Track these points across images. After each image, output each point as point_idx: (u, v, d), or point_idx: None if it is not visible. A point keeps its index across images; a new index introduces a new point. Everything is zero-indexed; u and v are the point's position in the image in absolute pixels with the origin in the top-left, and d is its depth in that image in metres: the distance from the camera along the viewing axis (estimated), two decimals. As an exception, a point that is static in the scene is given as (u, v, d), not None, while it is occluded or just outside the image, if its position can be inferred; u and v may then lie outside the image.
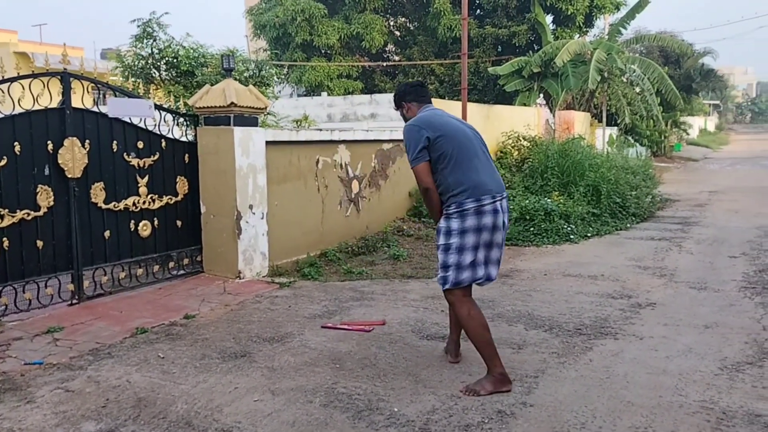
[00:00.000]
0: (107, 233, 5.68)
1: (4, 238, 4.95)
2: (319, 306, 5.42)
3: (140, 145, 5.95)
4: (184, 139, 6.42)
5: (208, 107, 6.15)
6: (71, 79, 5.40)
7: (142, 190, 5.96)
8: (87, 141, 5.49)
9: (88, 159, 5.49)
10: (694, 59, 28.94)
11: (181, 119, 6.39)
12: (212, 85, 6.39)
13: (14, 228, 5.01)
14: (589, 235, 8.82)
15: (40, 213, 5.18)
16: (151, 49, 8.11)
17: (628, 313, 5.13)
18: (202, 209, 6.43)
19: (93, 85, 5.66)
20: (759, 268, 6.70)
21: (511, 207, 8.54)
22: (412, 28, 21.87)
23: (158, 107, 6.20)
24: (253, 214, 6.37)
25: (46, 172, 5.22)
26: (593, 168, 10.60)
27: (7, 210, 4.96)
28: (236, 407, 3.43)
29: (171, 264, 6.26)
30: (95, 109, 5.68)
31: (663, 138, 27.76)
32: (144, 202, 5.97)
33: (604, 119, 20.06)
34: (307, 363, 4.07)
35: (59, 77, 5.34)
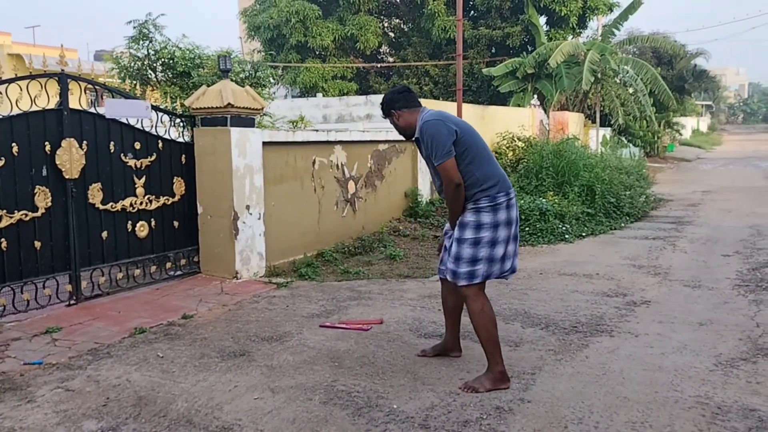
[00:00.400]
0: (105, 234, 5.69)
1: (2, 239, 4.95)
2: (317, 306, 5.44)
3: (137, 145, 5.96)
4: (180, 140, 6.42)
5: (205, 108, 6.17)
6: (68, 80, 5.41)
7: (140, 190, 5.97)
8: (84, 142, 5.50)
9: (86, 160, 5.50)
10: (686, 60, 29.16)
11: (178, 120, 6.40)
12: (209, 86, 6.40)
13: (12, 229, 5.02)
14: (583, 234, 8.88)
15: (38, 214, 5.18)
16: (148, 51, 8.12)
17: (623, 311, 5.18)
18: (199, 210, 6.44)
19: (89, 86, 5.67)
20: (752, 267, 6.76)
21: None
22: (406, 29, 21.93)
23: (155, 108, 6.20)
24: (250, 214, 6.38)
25: (44, 173, 5.23)
26: (587, 168, 10.65)
27: (5, 211, 4.96)
28: (236, 405, 3.45)
29: (168, 264, 6.27)
30: (92, 110, 5.69)
31: (656, 138, 27.87)
32: (141, 203, 5.98)
33: (598, 120, 20.15)
34: (306, 361, 4.09)
35: (57, 78, 5.35)
